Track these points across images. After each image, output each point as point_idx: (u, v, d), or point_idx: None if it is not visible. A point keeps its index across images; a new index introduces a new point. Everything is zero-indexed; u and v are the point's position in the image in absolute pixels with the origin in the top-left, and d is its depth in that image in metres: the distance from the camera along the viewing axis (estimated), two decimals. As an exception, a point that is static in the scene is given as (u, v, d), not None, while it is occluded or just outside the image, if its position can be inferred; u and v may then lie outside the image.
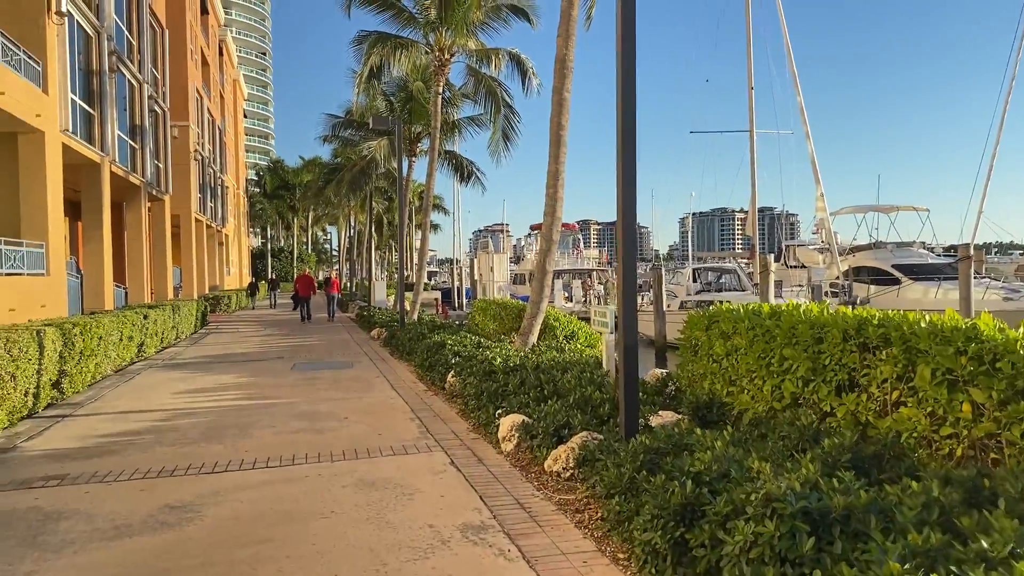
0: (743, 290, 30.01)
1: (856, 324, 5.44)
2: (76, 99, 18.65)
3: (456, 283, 53.62)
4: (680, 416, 6.73)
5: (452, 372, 10.92)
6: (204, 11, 44.81)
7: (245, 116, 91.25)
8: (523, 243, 66.29)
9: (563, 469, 6.13)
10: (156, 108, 28.31)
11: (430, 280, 68.73)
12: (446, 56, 22.07)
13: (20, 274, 15.09)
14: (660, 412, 6.95)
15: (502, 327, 16.45)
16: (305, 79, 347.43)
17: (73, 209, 22.00)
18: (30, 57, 15.51)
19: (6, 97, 13.90)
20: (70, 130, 17.32)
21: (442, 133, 23.67)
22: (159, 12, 28.87)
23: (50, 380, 11.02)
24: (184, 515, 5.65)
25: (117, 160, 21.93)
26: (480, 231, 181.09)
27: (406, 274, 27.98)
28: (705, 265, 31.83)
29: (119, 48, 22.40)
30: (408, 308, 22.87)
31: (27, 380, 10.00)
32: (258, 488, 6.34)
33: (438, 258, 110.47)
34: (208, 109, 42.36)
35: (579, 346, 13.23)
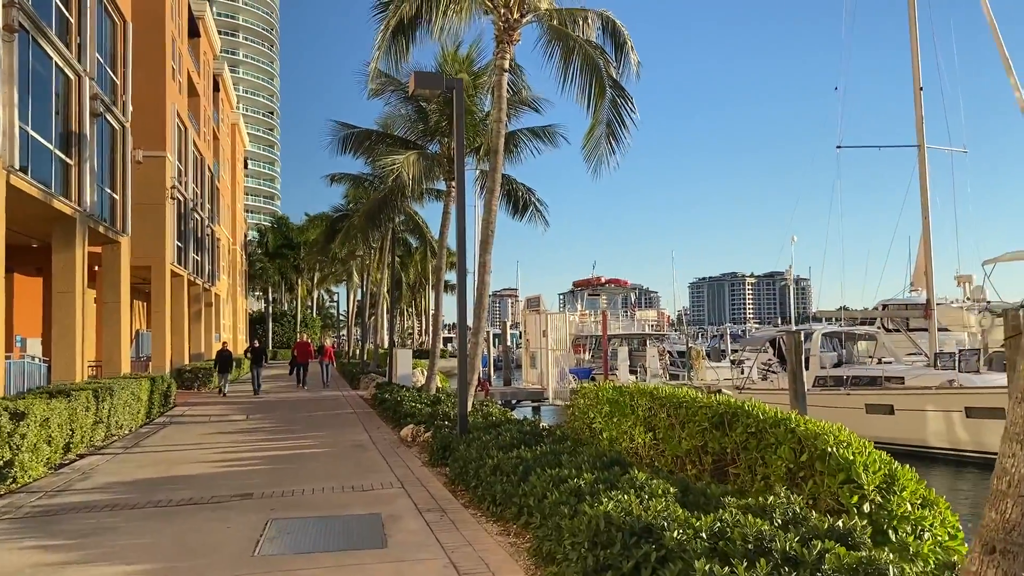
0: (892, 360, 22.17)
1: None
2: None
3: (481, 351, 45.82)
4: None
5: None
6: (195, 33, 38.21)
7: (246, 168, 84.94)
8: (563, 304, 57.36)
9: None
10: (110, 120, 21.11)
11: (445, 347, 61.17)
12: (514, 15, 14.78)
13: None
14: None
15: (670, 446, 8.56)
16: (314, 141, 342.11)
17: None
18: None
19: None
20: None
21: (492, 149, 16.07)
22: (118, -4, 21.82)
23: None
24: None
25: (20, 169, 14.50)
26: (489, 296, 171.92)
27: (423, 340, 20.30)
28: (840, 329, 24.03)
29: (34, 9, 15.21)
30: (437, 383, 15.24)
31: None
32: None
33: (445, 322, 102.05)
34: (195, 143, 35.29)
35: (911, 510, 5.57)
